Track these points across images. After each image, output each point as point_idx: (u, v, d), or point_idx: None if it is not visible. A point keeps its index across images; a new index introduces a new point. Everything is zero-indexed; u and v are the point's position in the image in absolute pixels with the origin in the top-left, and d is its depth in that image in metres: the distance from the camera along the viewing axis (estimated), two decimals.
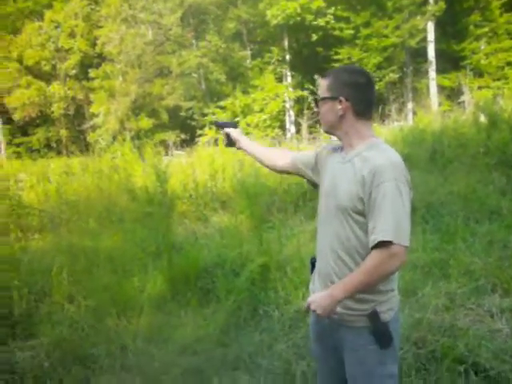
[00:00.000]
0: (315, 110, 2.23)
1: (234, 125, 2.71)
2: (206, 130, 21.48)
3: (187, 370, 3.40)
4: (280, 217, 7.12)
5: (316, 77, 20.56)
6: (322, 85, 2.13)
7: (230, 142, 2.65)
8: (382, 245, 1.82)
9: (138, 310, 4.24)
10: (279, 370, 3.27)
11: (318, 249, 2.16)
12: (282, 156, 2.46)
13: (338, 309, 1.96)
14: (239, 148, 2.62)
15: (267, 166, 2.53)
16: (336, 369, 2.13)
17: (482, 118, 11.30)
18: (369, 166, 1.92)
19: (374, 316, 1.94)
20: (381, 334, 1.95)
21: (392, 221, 1.83)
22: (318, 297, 1.93)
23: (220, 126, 2.77)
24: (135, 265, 5.25)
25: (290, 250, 5.37)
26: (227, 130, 2.66)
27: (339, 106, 2.05)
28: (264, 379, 3.19)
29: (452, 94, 19.45)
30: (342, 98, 2.04)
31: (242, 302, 4.15)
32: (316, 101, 2.19)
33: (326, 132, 2.21)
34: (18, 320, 4.20)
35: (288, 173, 2.48)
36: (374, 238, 1.84)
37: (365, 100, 2.08)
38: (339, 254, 2.01)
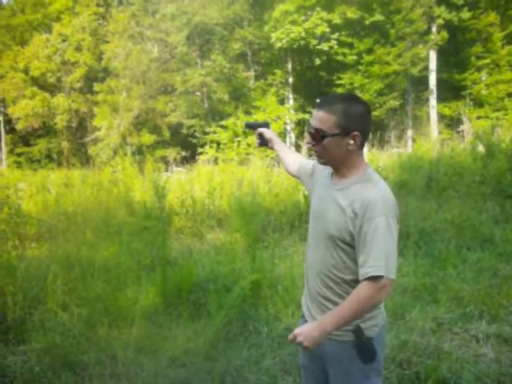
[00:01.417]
0: (309, 142, 2.10)
1: (266, 125, 2.74)
2: (207, 148, 21.63)
3: (175, 381, 3.45)
4: (275, 237, 7.19)
5: (318, 100, 20.66)
6: (328, 120, 2.02)
7: (263, 142, 2.70)
8: (372, 278, 1.89)
9: (130, 321, 4.29)
10: None
11: (308, 268, 2.23)
12: (295, 162, 2.52)
13: None
14: (271, 148, 2.67)
15: (286, 169, 2.61)
16: (321, 379, 2.20)
17: (480, 148, 11.46)
18: (361, 199, 1.96)
19: (358, 331, 2.00)
20: (365, 348, 2.01)
21: (383, 256, 1.89)
22: (305, 329, 1.94)
23: (251, 126, 2.81)
24: (129, 277, 5.31)
25: (282, 269, 5.45)
26: (260, 130, 2.70)
27: (351, 141, 2.03)
28: None
29: (452, 123, 19.69)
30: (355, 133, 2.02)
31: (232, 318, 4.21)
32: (313, 134, 2.07)
33: (324, 164, 2.15)
34: (11, 325, 4.25)
35: (297, 178, 2.53)
36: (366, 272, 1.90)
37: (368, 130, 2.10)
38: (326, 280, 2.09)
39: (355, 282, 1.99)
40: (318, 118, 2.05)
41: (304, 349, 1.96)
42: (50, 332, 4.01)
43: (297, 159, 2.56)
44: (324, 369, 2.17)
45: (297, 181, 2.71)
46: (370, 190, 1.98)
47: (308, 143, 2.10)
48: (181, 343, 3.98)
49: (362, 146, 2.08)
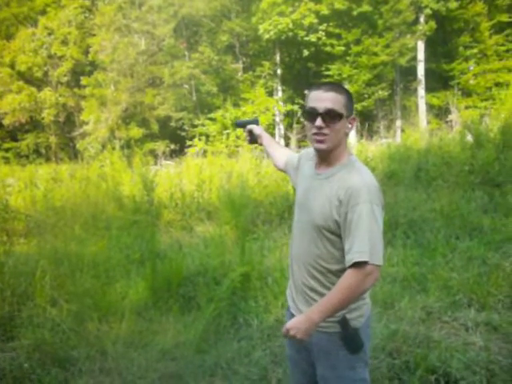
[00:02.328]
0: (320, 126, 2.03)
1: (256, 121, 2.75)
2: (196, 140, 21.56)
3: (165, 374, 3.44)
4: (265, 229, 7.19)
5: (306, 92, 20.71)
6: (339, 101, 2.04)
7: (253, 139, 2.71)
8: (358, 265, 1.89)
9: (120, 316, 4.27)
10: (256, 377, 3.32)
11: (292, 258, 2.23)
12: (283, 156, 2.54)
13: None
14: (261, 144, 2.68)
15: (274, 163, 2.63)
16: (308, 371, 2.21)
17: (469, 137, 11.50)
18: (345, 186, 1.97)
19: (344, 322, 2.01)
20: (351, 339, 2.02)
21: (367, 242, 1.89)
22: (295, 322, 1.94)
23: (241, 125, 2.83)
24: (118, 271, 5.28)
25: (272, 260, 5.44)
26: (249, 127, 2.71)
27: (349, 125, 2.09)
28: None
29: (440, 113, 19.75)
30: (353, 117, 2.10)
31: (222, 310, 4.20)
32: (325, 115, 2.02)
33: (326, 150, 2.08)
34: None
35: (284, 172, 2.54)
36: (351, 258, 1.90)
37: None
38: (311, 269, 2.09)
39: (341, 272, 1.98)
40: (330, 99, 2.03)
41: (298, 342, 1.96)
42: (38, 328, 3.97)
43: (284, 154, 2.56)
44: (311, 361, 2.18)
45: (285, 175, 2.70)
46: (354, 178, 1.99)
47: (318, 127, 2.02)
48: (171, 337, 3.97)
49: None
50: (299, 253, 2.16)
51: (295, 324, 1.93)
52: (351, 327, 2.01)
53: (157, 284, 4.78)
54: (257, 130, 2.69)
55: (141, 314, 4.43)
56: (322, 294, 2.05)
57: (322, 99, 2.03)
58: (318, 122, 2.02)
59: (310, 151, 2.27)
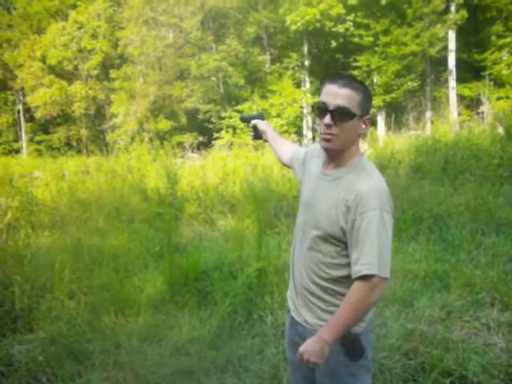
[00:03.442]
0: (327, 122, 1.91)
1: (261, 116, 2.68)
2: (223, 133, 21.60)
3: (177, 370, 3.43)
4: (287, 222, 7.12)
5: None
6: (354, 99, 1.91)
7: (257, 135, 2.63)
8: (364, 277, 1.80)
9: (136, 309, 4.28)
10: (266, 375, 3.28)
11: (294, 260, 2.15)
12: (288, 151, 2.44)
13: (313, 320, 2.01)
14: (266, 140, 2.59)
15: (278, 158, 2.53)
16: (308, 376, 2.13)
17: (500, 130, 11.20)
18: (353, 192, 1.86)
19: None
20: (351, 346, 1.94)
21: (376, 253, 1.80)
22: (307, 345, 1.85)
23: (245, 120, 2.75)
24: (137, 264, 5.31)
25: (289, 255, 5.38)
26: (254, 122, 2.63)
27: (363, 125, 1.97)
28: (250, 383, 3.21)
29: (471, 104, 19.27)
30: (368, 117, 1.98)
31: (237, 306, 4.17)
32: (335, 113, 1.91)
33: (333, 150, 1.98)
34: (19, 314, 4.27)
35: (289, 168, 2.45)
36: (358, 269, 1.82)
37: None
38: (312, 276, 2.01)
39: (344, 279, 1.92)
40: (344, 95, 1.90)
41: (314, 365, 1.86)
42: (56, 320, 4.01)
43: (289, 148, 2.48)
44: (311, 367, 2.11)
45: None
46: (364, 182, 1.89)
47: (327, 125, 1.90)
48: (186, 332, 3.96)
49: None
50: (300, 255, 2.08)
51: (307, 347, 1.85)
52: (351, 333, 1.93)
53: (174, 278, 4.77)
54: (261, 125, 2.61)
55: (157, 307, 4.44)
56: (322, 299, 1.98)
57: (334, 95, 1.90)
58: (327, 119, 1.90)
59: (317, 147, 2.15)
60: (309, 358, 1.82)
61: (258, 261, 4.60)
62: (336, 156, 1.99)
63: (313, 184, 2.08)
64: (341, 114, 1.89)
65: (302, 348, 1.87)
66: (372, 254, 1.79)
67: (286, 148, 2.49)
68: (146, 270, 5.22)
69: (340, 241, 1.91)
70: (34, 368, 3.44)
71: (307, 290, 2.04)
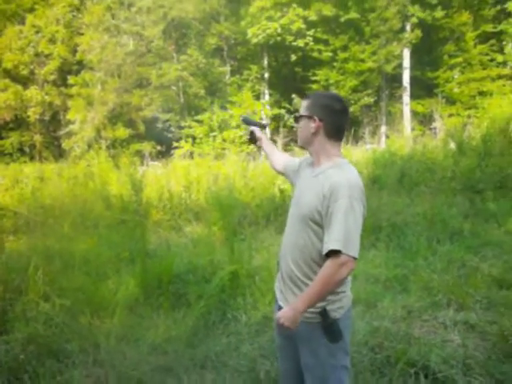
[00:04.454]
0: (295, 125, 2.46)
1: (262, 126, 3.01)
2: (182, 142, 21.63)
3: (157, 367, 3.57)
4: (251, 230, 7.32)
5: (293, 96, 21.08)
6: (303, 104, 2.38)
7: (253, 139, 2.96)
8: (333, 255, 2.08)
9: (111, 311, 4.38)
10: (244, 369, 3.47)
11: (281, 251, 2.42)
12: (281, 160, 2.78)
13: None
14: (259, 146, 2.95)
15: (272, 166, 2.88)
16: (295, 359, 2.38)
17: (452, 145, 11.78)
18: (329, 182, 2.17)
19: (324, 313, 2.21)
20: (330, 329, 2.21)
21: (343, 233, 2.07)
22: (283, 312, 2.17)
23: (247, 122, 3.06)
24: (109, 268, 5.39)
25: (259, 260, 5.60)
26: (253, 128, 2.97)
27: (312, 124, 2.31)
28: (230, 377, 3.39)
29: (424, 120, 20.01)
30: (315, 118, 2.30)
31: (211, 307, 4.35)
32: (295, 117, 2.43)
33: (301, 147, 2.45)
34: None
35: (283, 175, 2.79)
36: (326, 246, 2.10)
37: (336, 124, 2.34)
38: (297, 259, 2.28)
39: (323, 261, 2.16)
40: (301, 105, 2.41)
41: (287, 329, 2.15)
42: (32, 322, 4.07)
43: (283, 158, 2.80)
44: (296, 348, 2.36)
45: (281, 177, 2.91)
46: (338, 175, 2.19)
47: (291, 128, 2.35)
48: (162, 332, 4.10)
49: (331, 137, 2.33)
50: (287, 244, 2.36)
51: (283, 313, 2.15)
52: (331, 318, 2.20)
53: (147, 281, 4.90)
54: (258, 132, 2.96)
55: (132, 309, 4.55)
56: (306, 284, 2.23)
57: None
58: (295, 123, 2.46)
59: (308, 159, 2.51)
60: (284, 322, 2.13)
61: (230, 264, 4.78)
62: (312, 155, 2.39)
63: (302, 183, 2.41)
64: (296, 119, 2.42)
65: (279, 313, 2.18)
66: (339, 233, 2.08)
67: (280, 158, 2.83)
68: (117, 274, 5.30)
69: (318, 224, 2.19)
70: (16, 366, 3.51)
71: (292, 275, 2.29)
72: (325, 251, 2.10)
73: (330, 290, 2.14)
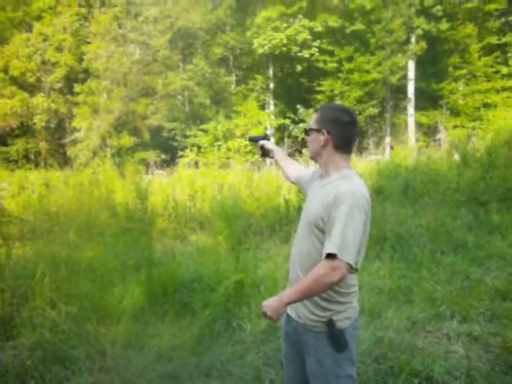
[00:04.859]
0: (305, 137, 2.50)
1: (266, 137, 3.07)
2: (187, 151, 21.72)
3: (162, 374, 3.60)
4: (256, 240, 7.35)
5: (298, 106, 21.18)
6: (313, 117, 2.45)
7: (265, 153, 3.03)
8: (328, 258, 2.11)
9: (117, 318, 4.42)
10: (249, 377, 3.50)
11: (291, 259, 2.46)
12: (295, 170, 2.84)
13: (305, 314, 2.30)
14: (273, 157, 3.01)
15: (285, 176, 2.93)
16: (300, 367, 2.41)
17: (456, 156, 11.81)
18: (334, 192, 2.21)
19: (330, 323, 2.24)
20: (336, 339, 2.25)
21: (340, 238, 2.11)
22: (268, 301, 2.19)
23: (254, 140, 3.15)
24: (115, 276, 5.43)
25: (264, 270, 5.64)
26: (261, 142, 3.03)
27: (321, 137, 2.36)
28: None
29: (429, 131, 20.07)
30: (324, 131, 2.35)
31: (216, 316, 4.38)
32: (305, 130, 2.50)
33: (312, 158, 2.50)
34: None
35: (296, 185, 2.86)
36: (324, 250, 2.15)
37: (345, 136, 2.38)
38: (303, 265, 2.32)
39: None
40: (311, 118, 2.47)
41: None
42: (38, 328, 4.11)
43: (296, 168, 2.85)
44: (303, 357, 2.38)
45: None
46: (344, 185, 2.25)
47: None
48: (167, 340, 4.13)
49: (340, 149, 2.37)
50: (296, 252, 2.41)
51: (268, 303, 2.18)
52: (337, 328, 2.24)
53: (152, 289, 4.94)
54: (268, 144, 3.01)
55: (137, 317, 4.59)
56: None
57: None
58: (306, 135, 2.52)
59: (319, 170, 2.57)
60: (266, 311, 2.15)
61: (235, 273, 4.82)
62: (322, 166, 2.44)
63: (312, 193, 2.46)
64: (306, 132, 2.49)
65: (264, 303, 2.20)
66: (336, 238, 2.12)
67: (293, 168, 2.87)
68: (123, 282, 5.35)
69: (322, 231, 2.24)
70: (22, 372, 3.55)
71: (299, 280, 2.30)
72: (323, 255, 2.14)
73: (318, 291, 2.16)
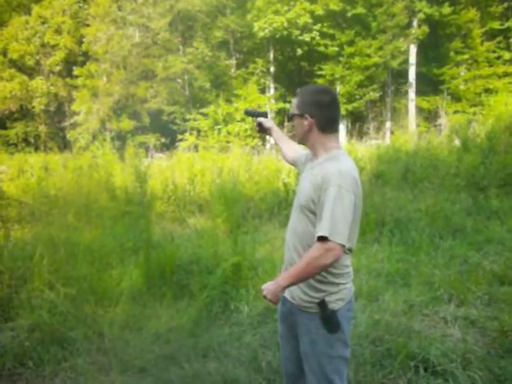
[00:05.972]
0: (291, 123, 2.49)
1: (265, 114, 3.01)
2: (187, 135, 21.66)
3: (160, 356, 3.62)
4: (255, 223, 7.37)
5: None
6: (293, 102, 2.43)
7: (262, 130, 2.97)
8: (321, 240, 2.12)
9: (115, 300, 4.44)
10: (246, 359, 3.52)
11: (286, 241, 2.47)
12: (292, 151, 2.81)
13: (299, 295, 2.31)
14: (270, 135, 2.98)
15: (283, 157, 2.92)
16: (296, 347, 2.42)
17: (456, 142, 11.78)
18: (322, 173, 2.22)
19: (322, 304, 2.25)
20: (328, 320, 2.25)
21: (330, 220, 2.11)
22: (268, 284, 2.23)
23: (250, 114, 3.09)
24: (113, 258, 5.45)
25: (262, 253, 5.66)
26: (260, 119, 2.97)
27: (305, 122, 2.35)
28: (231, 366, 3.43)
29: (429, 116, 19.98)
30: (307, 116, 2.34)
31: (214, 298, 4.40)
32: (288, 116, 2.50)
33: (299, 143, 2.51)
34: None
35: (293, 165, 2.83)
36: (316, 234, 2.15)
37: (328, 117, 2.37)
38: (296, 247, 2.33)
39: None
40: (293, 103, 2.46)
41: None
42: (37, 309, 4.12)
43: (294, 149, 2.82)
44: (298, 338, 2.40)
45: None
46: (332, 165, 2.24)
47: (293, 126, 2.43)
48: (165, 321, 4.15)
49: (325, 130, 2.36)
50: (289, 234, 2.42)
51: (267, 286, 2.22)
52: (329, 309, 2.24)
53: (151, 272, 4.95)
54: (267, 123, 2.96)
55: (135, 299, 4.60)
56: None
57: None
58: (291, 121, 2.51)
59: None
60: (266, 294, 2.22)
61: (233, 256, 4.82)
62: (310, 149, 2.44)
63: (303, 176, 2.47)
64: (290, 118, 2.47)
65: (263, 286, 2.25)
66: (326, 220, 2.12)
67: (291, 149, 2.85)
68: (121, 264, 5.37)
69: (312, 212, 2.25)
70: (21, 353, 3.57)
71: (293, 263, 2.32)
72: (315, 238, 2.15)
73: (313, 273, 2.17)
